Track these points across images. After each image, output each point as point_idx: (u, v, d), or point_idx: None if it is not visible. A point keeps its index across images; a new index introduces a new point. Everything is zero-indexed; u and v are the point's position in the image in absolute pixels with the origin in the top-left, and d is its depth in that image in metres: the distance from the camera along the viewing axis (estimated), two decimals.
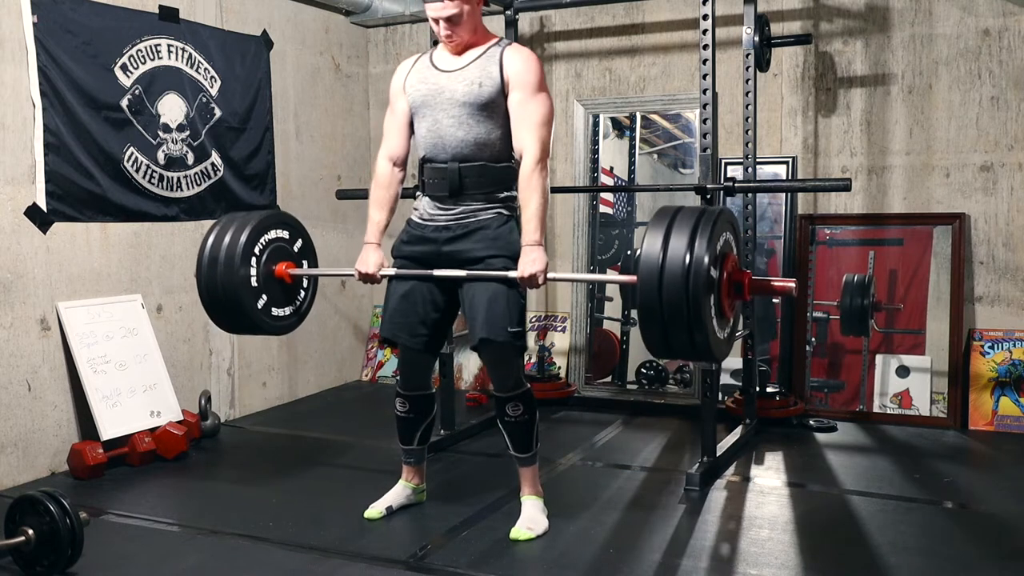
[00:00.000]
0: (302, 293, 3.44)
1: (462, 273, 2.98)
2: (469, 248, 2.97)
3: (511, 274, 2.89)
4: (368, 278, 3.13)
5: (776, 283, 2.63)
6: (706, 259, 2.42)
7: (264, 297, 3.27)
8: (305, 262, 3.45)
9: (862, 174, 4.60)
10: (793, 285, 2.62)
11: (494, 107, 2.93)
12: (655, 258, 2.46)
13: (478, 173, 2.95)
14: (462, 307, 3.04)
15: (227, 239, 3.21)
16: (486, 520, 3.17)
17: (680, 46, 4.90)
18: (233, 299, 3.19)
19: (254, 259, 3.24)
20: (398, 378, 3.22)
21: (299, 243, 3.44)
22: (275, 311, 3.31)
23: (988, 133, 4.37)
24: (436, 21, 2.92)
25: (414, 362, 3.15)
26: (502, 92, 2.93)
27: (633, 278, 2.57)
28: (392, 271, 3.10)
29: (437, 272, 3.01)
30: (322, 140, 5.37)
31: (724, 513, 3.23)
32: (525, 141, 2.90)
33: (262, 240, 3.28)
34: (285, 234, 3.38)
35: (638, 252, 2.51)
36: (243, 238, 3.20)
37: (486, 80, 2.93)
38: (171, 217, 4.34)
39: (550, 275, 2.91)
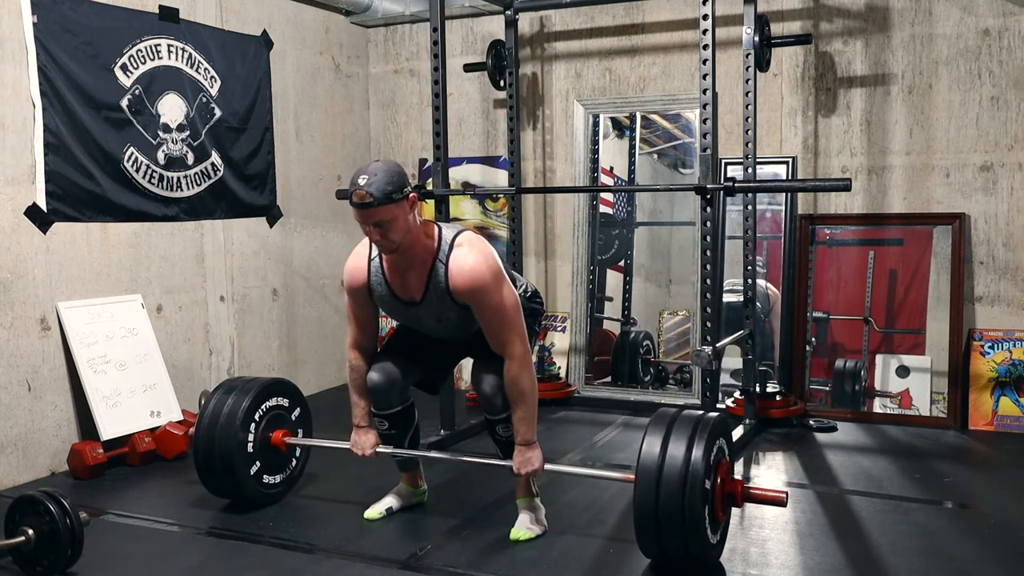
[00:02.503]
0: (294, 461, 3.45)
1: (444, 456, 3.29)
2: None
3: (507, 463, 2.96)
4: (364, 459, 3.16)
5: (770, 493, 2.75)
6: (702, 472, 2.55)
7: (257, 463, 3.28)
8: (301, 430, 3.47)
9: (862, 174, 4.60)
10: (784, 495, 2.73)
11: (465, 316, 2.90)
12: (653, 468, 2.58)
13: (469, 335, 2.98)
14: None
15: (229, 403, 3.25)
16: (486, 520, 3.17)
17: (680, 46, 4.90)
18: (226, 462, 3.20)
19: (253, 425, 3.27)
20: (372, 399, 3.13)
21: (297, 411, 3.46)
22: (266, 478, 3.32)
23: (988, 133, 4.36)
24: (363, 225, 2.74)
25: (388, 384, 3.08)
26: (465, 307, 2.86)
27: (631, 477, 2.66)
28: (389, 449, 3.16)
29: (434, 453, 3.25)
30: (322, 140, 5.37)
31: None
32: (501, 345, 2.86)
33: (263, 407, 3.31)
34: (285, 402, 3.41)
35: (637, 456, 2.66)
36: (245, 403, 3.24)
37: (446, 309, 2.88)
38: (171, 217, 4.34)
39: (547, 467, 2.96)
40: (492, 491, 3.44)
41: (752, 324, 4.27)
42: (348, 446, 3.18)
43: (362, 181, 2.68)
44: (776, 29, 4.56)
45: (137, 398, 4.00)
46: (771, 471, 3.75)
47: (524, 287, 3.13)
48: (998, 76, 4.33)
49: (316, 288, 5.34)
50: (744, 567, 2.77)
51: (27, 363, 3.72)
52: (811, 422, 4.37)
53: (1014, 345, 4.27)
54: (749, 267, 4.29)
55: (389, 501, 3.25)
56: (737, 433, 4.05)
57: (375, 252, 2.94)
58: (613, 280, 5.22)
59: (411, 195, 2.76)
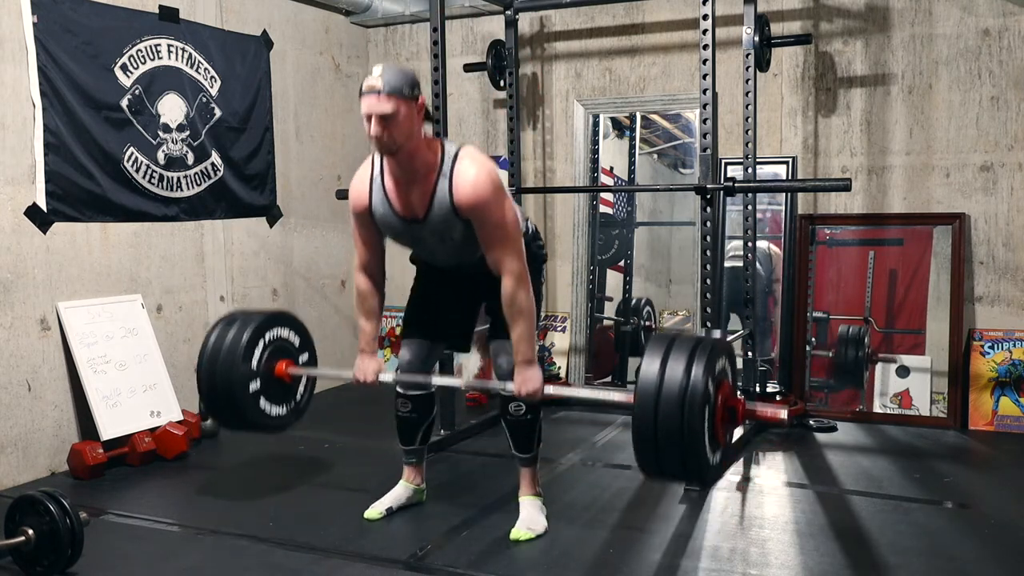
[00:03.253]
0: (299, 392, 3.41)
1: (459, 382, 3.19)
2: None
3: (508, 386, 2.92)
4: (366, 386, 3.14)
5: (768, 411, 2.74)
6: (702, 385, 2.50)
7: (261, 391, 3.24)
8: (305, 359, 3.43)
9: (862, 174, 4.60)
10: (785, 415, 2.71)
11: (468, 234, 2.85)
12: (652, 382, 2.53)
13: (473, 264, 2.95)
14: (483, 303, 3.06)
15: (231, 335, 3.21)
16: (486, 520, 3.17)
17: (680, 46, 4.90)
18: (229, 394, 3.18)
19: (255, 357, 3.23)
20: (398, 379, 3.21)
21: (304, 351, 3.41)
22: (272, 409, 3.28)
23: (988, 133, 4.37)
24: (368, 118, 2.68)
25: (414, 365, 3.15)
26: (468, 222, 2.81)
27: (630, 397, 2.63)
28: (390, 377, 3.14)
29: (436, 379, 3.14)
30: (322, 140, 5.37)
31: (724, 513, 3.23)
32: (499, 261, 2.83)
33: (265, 338, 3.27)
34: (288, 333, 3.36)
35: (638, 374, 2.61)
36: (247, 335, 3.20)
37: (449, 227, 2.83)
38: (171, 217, 4.34)
39: (548, 390, 2.92)
40: (492, 491, 3.44)
41: (752, 324, 4.27)
42: (351, 376, 3.14)
43: (376, 71, 2.69)
44: (776, 29, 4.56)
45: (137, 398, 3.99)
46: (771, 471, 3.75)
47: (526, 224, 3.10)
48: (998, 76, 4.33)
49: (316, 288, 5.34)
50: (744, 567, 2.77)
51: (27, 363, 3.72)
52: (811, 422, 4.37)
53: (1014, 345, 4.27)
54: (749, 268, 4.29)
55: (389, 501, 3.25)
56: (737, 433, 4.06)
57: (377, 170, 2.90)
58: (613, 280, 5.22)
59: (420, 98, 2.74)
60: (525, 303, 2.83)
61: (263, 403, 3.25)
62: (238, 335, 3.19)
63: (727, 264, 4.69)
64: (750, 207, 4.30)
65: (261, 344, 3.24)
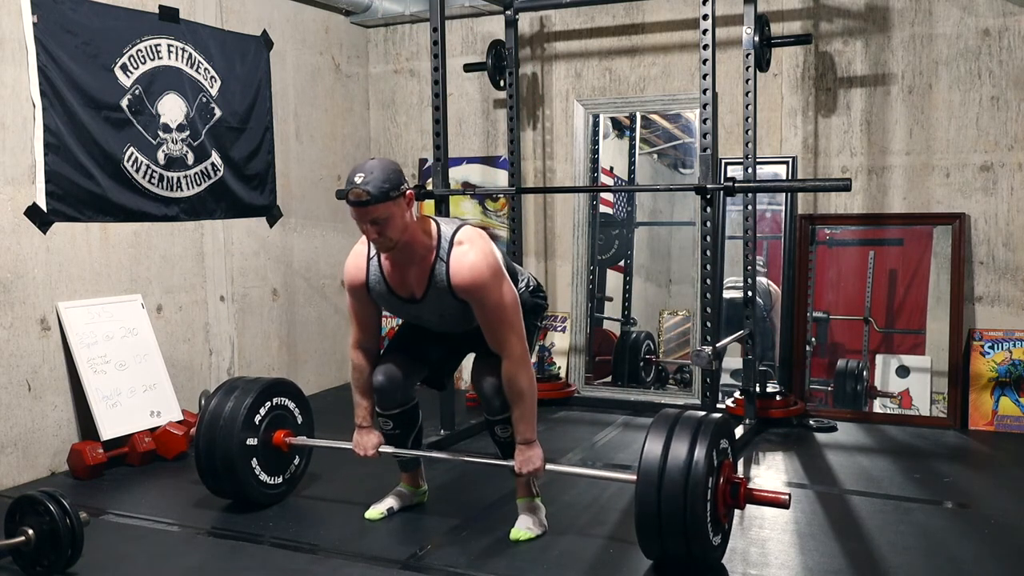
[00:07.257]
0: (296, 461, 3.44)
1: (445, 456, 3.21)
2: None
3: (508, 463, 2.97)
4: (367, 459, 3.15)
5: (770, 494, 2.76)
6: (704, 470, 2.55)
7: (259, 464, 3.27)
8: (302, 431, 3.45)
9: (862, 174, 4.60)
10: (787, 497, 2.74)
11: (466, 311, 2.87)
12: (654, 466, 2.58)
13: (471, 330, 2.96)
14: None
15: (230, 403, 3.25)
16: (486, 520, 3.17)
17: (680, 46, 4.90)
18: (227, 463, 3.20)
19: (254, 425, 3.26)
20: (376, 399, 3.13)
21: (299, 411, 3.45)
22: (268, 479, 3.32)
23: (988, 133, 4.36)
24: (360, 224, 2.73)
25: (392, 384, 3.08)
26: (466, 303, 2.84)
27: (633, 478, 2.66)
28: (391, 450, 3.16)
29: (435, 453, 3.17)
30: (322, 140, 5.37)
31: None
32: (498, 344, 2.85)
33: (264, 407, 3.30)
34: (286, 402, 3.40)
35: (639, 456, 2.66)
36: (247, 403, 3.24)
37: (447, 306, 2.87)
38: (171, 217, 4.34)
39: (548, 467, 2.96)
40: (492, 491, 3.44)
41: (752, 324, 4.27)
42: (350, 447, 3.17)
43: (358, 179, 2.66)
44: (776, 29, 4.56)
45: (137, 398, 4.00)
46: (771, 471, 3.75)
47: (526, 281, 3.12)
48: (998, 76, 4.33)
49: (316, 288, 5.34)
50: (744, 567, 2.77)
51: (27, 363, 3.71)
52: (811, 422, 4.37)
53: (1014, 345, 4.27)
54: (749, 267, 4.29)
55: (390, 501, 3.25)
56: (737, 433, 4.05)
57: (374, 251, 2.93)
58: (613, 280, 5.22)
59: (408, 192, 2.74)
60: (525, 385, 2.86)
61: (263, 475, 3.30)
62: (239, 403, 3.24)
63: (725, 295, 4.68)
64: (750, 207, 4.29)
65: (261, 413, 3.29)
